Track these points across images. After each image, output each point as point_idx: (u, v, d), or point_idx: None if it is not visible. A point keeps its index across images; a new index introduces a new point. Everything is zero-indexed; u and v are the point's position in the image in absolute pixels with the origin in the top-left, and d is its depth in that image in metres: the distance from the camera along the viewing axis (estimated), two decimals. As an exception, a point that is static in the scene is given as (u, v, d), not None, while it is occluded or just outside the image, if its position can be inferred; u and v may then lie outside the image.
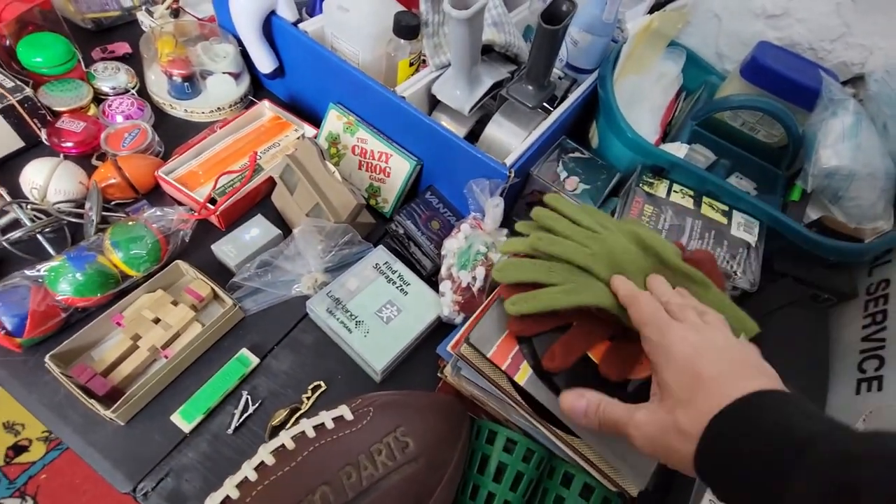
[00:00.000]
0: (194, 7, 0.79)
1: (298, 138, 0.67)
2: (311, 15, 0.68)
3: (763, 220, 0.60)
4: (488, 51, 0.65)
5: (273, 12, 0.63)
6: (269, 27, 0.64)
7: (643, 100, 0.69)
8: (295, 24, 0.64)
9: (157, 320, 0.49)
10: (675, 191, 0.62)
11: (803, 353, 0.56)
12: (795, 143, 0.64)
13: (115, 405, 0.43)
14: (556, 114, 0.62)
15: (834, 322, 0.61)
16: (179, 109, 0.69)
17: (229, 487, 0.34)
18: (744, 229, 0.59)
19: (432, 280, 0.59)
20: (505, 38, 0.64)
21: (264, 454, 0.35)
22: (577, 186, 0.63)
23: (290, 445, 0.36)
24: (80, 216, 0.55)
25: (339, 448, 0.36)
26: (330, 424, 0.37)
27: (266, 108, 0.69)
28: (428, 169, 0.63)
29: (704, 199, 0.61)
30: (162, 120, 0.68)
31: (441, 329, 0.57)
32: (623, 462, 0.41)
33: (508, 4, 0.66)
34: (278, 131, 0.68)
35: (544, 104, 0.63)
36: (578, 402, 0.34)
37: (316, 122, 0.68)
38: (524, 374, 0.43)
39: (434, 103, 0.66)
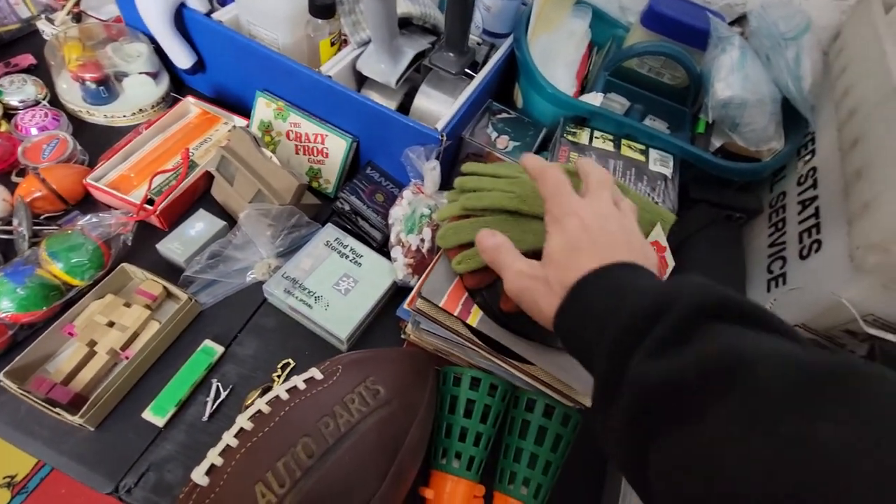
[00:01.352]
0: (97, 10, 0.76)
1: (230, 130, 0.67)
2: (224, 4, 0.68)
3: (676, 154, 0.66)
4: (407, 24, 0.67)
5: (183, 5, 0.61)
6: (182, 21, 0.63)
7: (557, 57, 0.73)
8: (208, 14, 0.63)
9: (111, 324, 0.49)
10: (596, 137, 0.66)
11: (723, 265, 0.63)
12: (695, 81, 0.70)
13: (82, 411, 0.43)
14: (478, 78, 0.66)
15: (746, 236, 0.69)
16: (98, 115, 0.66)
17: (213, 456, 0.36)
18: (660, 164, 0.65)
19: (384, 250, 0.61)
20: (421, 10, 0.66)
21: (242, 421, 0.37)
22: (508, 144, 0.67)
23: (266, 409, 0.38)
24: (10, 233, 0.53)
25: (313, 403, 0.38)
26: (302, 386, 0.39)
27: (191, 105, 0.68)
28: (365, 145, 0.65)
29: (623, 141, 0.67)
30: (81, 128, 0.66)
31: (398, 294, 0.59)
32: (576, 381, 0.46)
33: (419, -24, 0.68)
34: (208, 126, 0.68)
35: (467, 70, 0.66)
36: (488, 239, 0.37)
37: (245, 112, 0.68)
38: (475, 317, 0.46)
39: (361, 80, 0.67)
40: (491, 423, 0.47)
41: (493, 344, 0.47)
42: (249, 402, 0.49)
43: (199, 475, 0.35)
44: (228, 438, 0.36)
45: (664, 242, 0.47)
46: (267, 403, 0.38)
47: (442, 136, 0.57)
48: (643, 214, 0.48)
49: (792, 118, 0.65)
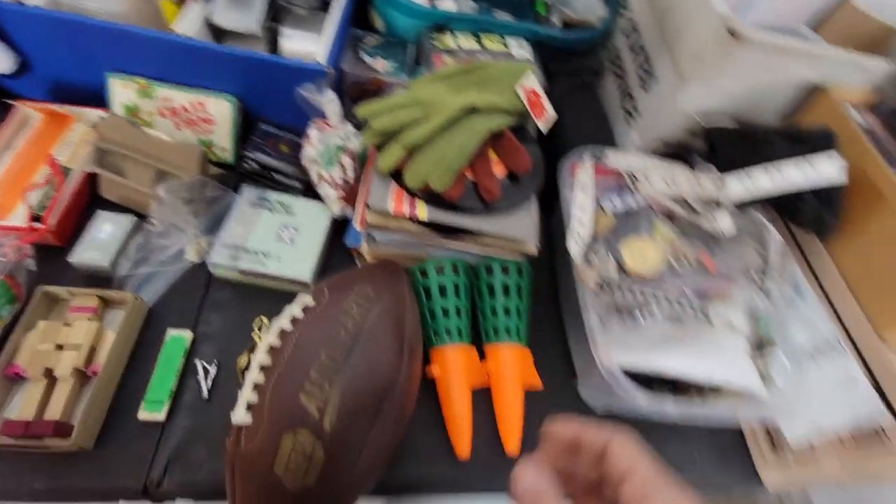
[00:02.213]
0: None
1: (95, 124, 0.60)
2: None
3: (528, 37, 0.75)
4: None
5: (-23, -6, 0.52)
6: (-16, 15, 0.54)
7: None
8: (19, 3, 0.54)
9: (60, 347, 0.46)
10: (458, 39, 0.72)
11: (590, 119, 0.75)
12: (524, -30, 0.79)
13: (74, 432, 0.41)
14: (337, 6, 0.66)
15: (601, 91, 0.81)
16: (-88, 151, 0.55)
17: (246, 395, 0.38)
18: (518, 49, 0.74)
19: (308, 195, 0.63)
20: (256, -51, 0.63)
21: (261, 358, 0.39)
22: (387, 66, 0.70)
23: (277, 343, 0.40)
24: None
25: (318, 322, 0.41)
26: (300, 314, 0.42)
27: (29, 111, 0.60)
28: (249, 103, 0.63)
29: (483, 37, 0.74)
30: None
31: (339, 230, 0.62)
32: (520, 231, 0.54)
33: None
34: (60, 128, 0.60)
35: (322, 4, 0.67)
36: (528, 476, 0.26)
37: (98, 103, 0.61)
38: (423, 211, 0.52)
39: (218, 35, 0.64)
40: (463, 296, 0.55)
41: (444, 230, 0.53)
42: (242, 365, 0.50)
43: (240, 417, 0.37)
44: (254, 377, 0.38)
45: (539, 89, 0.55)
46: (277, 337, 0.40)
47: (328, 68, 0.58)
48: (512, 74, 0.57)
49: (606, -16, 0.77)
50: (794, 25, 0.67)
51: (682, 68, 0.57)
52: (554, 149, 0.63)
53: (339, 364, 0.38)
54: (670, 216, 0.55)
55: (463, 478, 0.50)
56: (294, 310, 0.42)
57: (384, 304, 0.44)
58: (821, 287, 0.52)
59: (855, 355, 0.46)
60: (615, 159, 0.58)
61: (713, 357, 0.48)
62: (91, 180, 0.57)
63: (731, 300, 0.49)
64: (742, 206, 0.52)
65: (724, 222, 0.48)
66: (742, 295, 0.49)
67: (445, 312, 0.53)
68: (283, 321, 0.41)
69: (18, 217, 0.52)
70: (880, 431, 0.43)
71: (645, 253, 0.49)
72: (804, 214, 0.49)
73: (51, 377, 0.45)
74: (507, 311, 0.55)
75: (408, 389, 0.42)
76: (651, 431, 0.56)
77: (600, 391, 0.54)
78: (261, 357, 0.39)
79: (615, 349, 0.48)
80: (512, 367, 0.53)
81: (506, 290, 0.55)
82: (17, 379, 0.45)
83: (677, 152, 0.64)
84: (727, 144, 0.53)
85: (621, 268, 0.49)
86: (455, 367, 0.52)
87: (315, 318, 0.41)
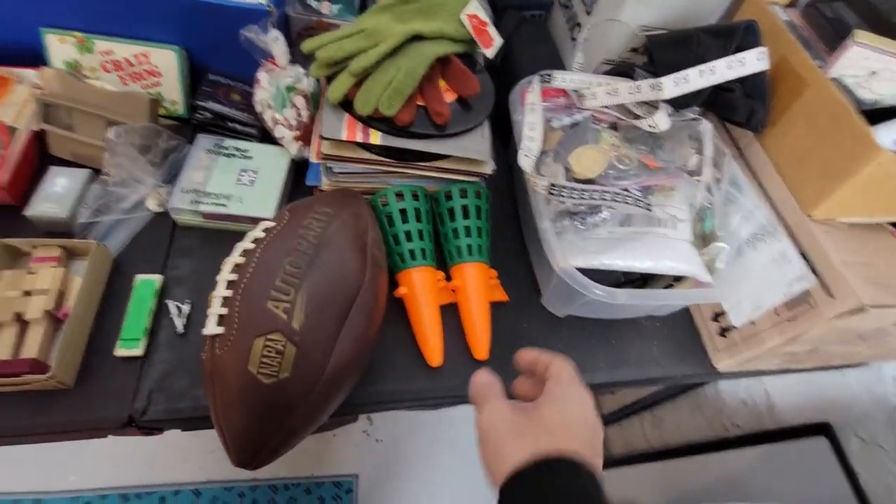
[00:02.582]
0: None
1: (34, 84, 0.59)
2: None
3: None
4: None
5: None
6: None
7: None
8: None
9: (27, 293, 0.46)
10: (404, -23, 0.72)
11: (540, 50, 0.77)
12: None
13: (53, 366, 0.43)
14: (275, -51, 0.66)
15: (552, 26, 0.83)
16: None
17: (216, 309, 0.39)
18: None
19: (266, 141, 0.63)
20: None
21: (226, 275, 0.41)
22: (332, 8, 0.70)
23: (241, 260, 0.41)
24: None
25: (280, 238, 0.42)
26: (262, 235, 0.43)
27: (-36, 74, 0.58)
28: (196, 52, 0.63)
29: (427, -26, 0.74)
30: None
31: (299, 172, 0.62)
32: (475, 152, 0.56)
33: None
34: (1, 91, 0.59)
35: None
36: (482, 376, 0.36)
37: (33, 61, 0.60)
38: (376, 137, 0.53)
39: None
40: (425, 220, 0.57)
41: (399, 156, 0.55)
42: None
43: (211, 328, 0.39)
44: (221, 293, 0.40)
45: (484, 17, 0.57)
46: (240, 255, 0.42)
47: (269, 6, 0.58)
48: (455, 2, 0.58)
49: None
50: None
51: (617, -17, 0.59)
52: (508, 82, 0.64)
53: (303, 271, 0.40)
54: (615, 126, 0.58)
55: (438, 387, 0.53)
56: (255, 232, 0.44)
57: (343, 219, 0.45)
58: (755, 177, 0.55)
59: (786, 234, 0.50)
60: (562, 79, 0.60)
61: (661, 249, 0.52)
62: (41, 141, 0.57)
63: (673, 194, 0.52)
64: (681, 109, 0.55)
65: (659, 119, 0.50)
66: (684, 189, 0.52)
67: (409, 236, 0.55)
68: (246, 242, 0.43)
69: (-33, 177, 0.51)
70: (808, 296, 0.47)
71: (591, 159, 0.52)
72: (737, 109, 0.52)
73: (21, 321, 0.45)
74: (467, 232, 0.57)
75: (374, 297, 0.44)
76: (612, 330, 0.61)
77: (560, 298, 0.57)
78: (226, 275, 0.41)
79: (570, 252, 0.51)
80: (476, 281, 0.55)
81: (465, 211, 0.57)
82: (-14, 328, 0.45)
83: (620, 70, 0.66)
84: (663, 50, 0.55)
85: (569, 174, 0.52)
86: (421, 284, 0.54)
87: (277, 235, 0.43)
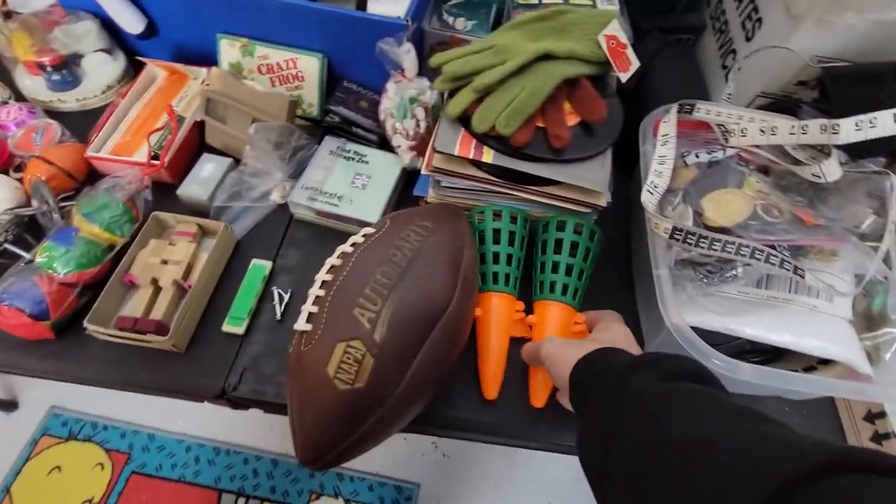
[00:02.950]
0: (24, 6, 0.74)
1: (203, 80, 0.68)
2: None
3: (618, -9, 0.71)
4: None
5: (119, -36, 0.62)
6: (122, -18, 0.63)
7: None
8: (146, -31, 0.63)
9: (164, 262, 0.52)
10: (543, -5, 0.71)
11: (683, 78, 0.70)
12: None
13: (171, 330, 0.48)
14: (421, -33, 0.68)
15: (699, 52, 0.75)
16: (70, 101, 0.67)
17: (308, 307, 0.41)
18: (607, 3, 0.70)
19: (384, 148, 0.65)
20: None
21: (322, 275, 0.42)
22: (466, 24, 0.70)
23: (338, 262, 0.43)
24: (32, 216, 0.55)
25: (376, 246, 0.43)
26: (360, 240, 0.44)
27: (156, 68, 0.69)
28: (335, 60, 0.67)
29: (568, -7, 0.71)
30: (57, 118, 0.67)
31: (409, 182, 0.64)
32: (591, 182, 0.51)
33: None
34: (180, 85, 0.69)
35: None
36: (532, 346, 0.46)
37: (210, 63, 0.69)
38: (489, 155, 0.52)
39: (312, -1, 0.69)
40: (518, 245, 0.54)
41: (510, 177, 0.52)
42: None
43: (301, 325, 0.40)
44: (315, 291, 0.41)
45: (623, 39, 0.52)
46: (337, 258, 0.43)
47: (407, 20, 0.60)
48: (593, 21, 0.54)
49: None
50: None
51: (794, 5, 0.51)
52: (640, 109, 0.59)
53: (393, 283, 0.40)
54: (765, 170, 0.49)
55: (486, 421, 0.50)
56: (356, 237, 0.45)
57: (442, 236, 0.44)
58: (959, 256, 0.43)
59: None
60: (706, 111, 0.53)
61: (807, 324, 0.43)
62: (200, 128, 0.65)
63: (834, 261, 0.43)
64: (860, 158, 0.45)
65: (829, 168, 0.42)
66: (850, 256, 0.43)
67: (496, 258, 0.52)
68: (346, 245, 0.44)
69: (142, 155, 0.60)
70: None
71: (730, 204, 0.45)
72: (941, 168, 0.41)
73: (156, 286, 0.52)
74: (554, 268, 0.52)
75: (460, 319, 0.43)
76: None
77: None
78: (323, 274, 0.42)
79: (687, 308, 0.45)
80: (556, 322, 0.51)
81: (558, 245, 0.53)
82: (131, 286, 0.52)
83: (781, 105, 0.57)
84: (844, 86, 0.46)
85: (700, 219, 0.45)
86: (497, 310, 0.51)
87: (374, 243, 0.43)
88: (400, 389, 0.39)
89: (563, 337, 0.46)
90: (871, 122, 0.40)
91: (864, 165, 0.44)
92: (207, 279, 0.53)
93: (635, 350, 0.41)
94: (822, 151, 0.45)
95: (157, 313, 0.50)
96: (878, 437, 0.47)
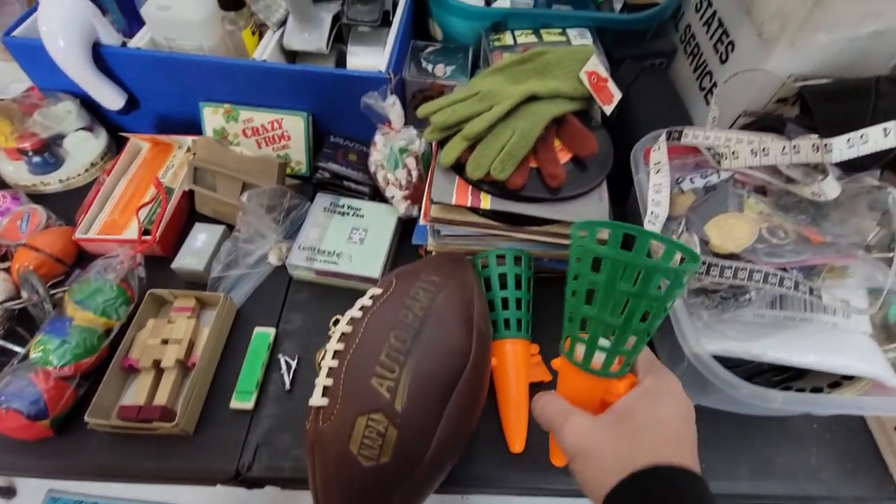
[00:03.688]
0: (1, 91, 0.74)
1: (188, 149, 0.68)
2: (130, 35, 0.68)
3: (589, 25, 0.73)
4: (312, -4, 0.70)
5: (97, 44, 0.62)
6: (102, 60, 0.63)
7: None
8: (123, 45, 0.63)
9: (165, 342, 0.51)
10: (517, 36, 0.72)
11: (663, 102, 0.71)
12: (580, -41, 0.77)
13: (178, 415, 0.46)
14: (396, 20, 0.69)
15: (673, 75, 0.77)
16: (54, 183, 0.66)
17: (322, 380, 0.39)
18: (581, 38, 0.72)
19: (376, 199, 0.65)
20: (322, -24, 0.69)
21: (333, 345, 0.41)
22: (446, 70, 0.71)
23: (348, 329, 0.41)
24: (23, 308, 0.53)
25: (386, 308, 0.42)
26: (369, 302, 0.43)
27: (140, 141, 0.69)
28: (320, 117, 0.67)
29: (542, 31, 0.73)
30: (42, 202, 0.65)
31: (406, 230, 0.63)
32: (589, 218, 0.51)
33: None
34: (165, 155, 0.68)
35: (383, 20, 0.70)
36: (540, 398, 0.34)
37: (194, 130, 0.68)
38: (486, 201, 0.51)
39: (291, 59, 0.70)
40: (525, 287, 0.53)
41: (508, 220, 0.52)
42: (320, 359, 0.52)
43: (316, 400, 0.39)
44: (328, 362, 0.40)
45: (604, 73, 0.53)
46: (347, 324, 0.42)
47: (389, 73, 0.61)
48: (572, 58, 0.55)
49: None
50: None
51: (766, 27, 0.52)
52: (626, 137, 0.60)
53: (409, 346, 0.39)
54: (762, 190, 0.50)
55: (513, 476, 0.48)
56: (364, 300, 0.44)
57: (450, 289, 0.44)
58: (965, 258, 0.43)
59: None
60: (694, 136, 0.54)
61: (828, 341, 0.42)
62: (189, 197, 0.64)
63: (847, 276, 0.42)
64: (852, 172, 0.46)
65: (827, 187, 0.42)
66: (862, 271, 0.43)
67: (505, 304, 0.52)
68: (354, 310, 0.43)
69: (132, 231, 0.59)
70: None
71: (734, 230, 0.45)
72: (934, 174, 0.42)
73: (158, 368, 0.50)
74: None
75: (480, 374, 0.42)
76: (755, 427, 0.51)
77: (689, 385, 0.49)
78: (334, 344, 0.41)
79: (706, 336, 0.44)
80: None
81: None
82: (132, 371, 0.50)
83: (766, 124, 0.58)
84: (827, 103, 0.47)
85: (706, 247, 0.45)
86: (513, 358, 0.50)
87: (383, 305, 0.42)
88: (427, 459, 0.37)
89: (577, 409, 0.32)
90: (862, 139, 0.41)
91: (860, 179, 0.44)
92: (211, 355, 0.51)
93: (690, 453, 0.29)
94: (815, 169, 0.45)
95: (162, 397, 0.48)
96: (913, 448, 0.46)
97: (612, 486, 0.27)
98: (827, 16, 0.47)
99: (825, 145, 0.42)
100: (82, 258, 0.60)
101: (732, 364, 0.45)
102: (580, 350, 0.32)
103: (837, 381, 0.46)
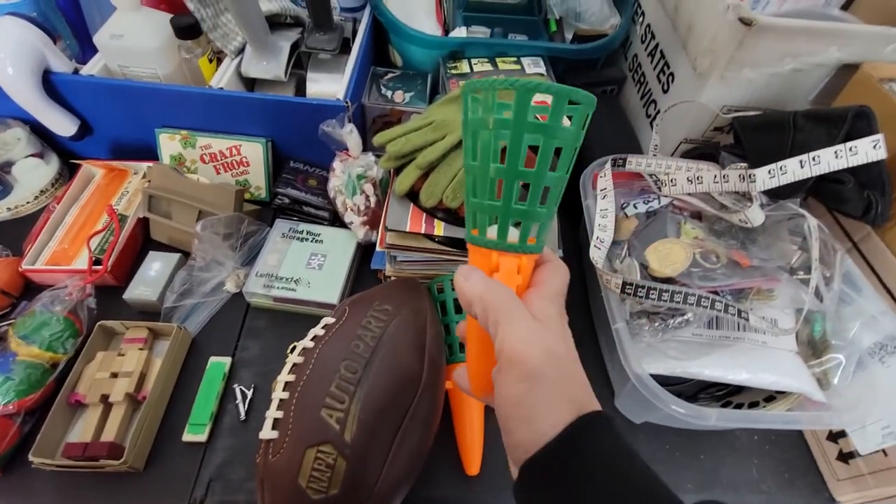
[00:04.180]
0: (-54, 116, 0.72)
1: (143, 176, 0.67)
2: (83, 61, 0.67)
3: (542, 55, 0.76)
4: (273, 24, 0.71)
5: (48, 71, 0.61)
6: (53, 87, 0.62)
7: (415, 9, 0.80)
8: (76, 72, 0.63)
9: (114, 375, 0.50)
10: (474, 64, 0.75)
11: (613, 128, 0.75)
12: (534, -8, 0.81)
13: (126, 452, 0.45)
14: (355, 48, 0.71)
15: (623, 102, 0.80)
16: (2, 211, 0.64)
17: (272, 412, 0.39)
18: (534, 67, 0.75)
19: (335, 224, 0.66)
20: (280, 5, 0.70)
21: (284, 377, 0.41)
22: (405, 97, 0.73)
23: (300, 360, 0.42)
24: (-34, 343, 0.51)
25: (338, 337, 0.42)
26: (321, 332, 0.44)
27: (93, 168, 0.68)
28: (279, 143, 0.68)
29: (497, 59, 0.76)
30: (-12, 230, 0.63)
31: (365, 255, 0.64)
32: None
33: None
34: (119, 182, 0.67)
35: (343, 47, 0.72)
36: (463, 276, 0.29)
37: (149, 156, 0.68)
38: (440, 228, 0.53)
39: (250, 86, 0.70)
40: None
41: (462, 246, 0.54)
42: (276, 389, 0.52)
43: (266, 433, 0.39)
44: (279, 394, 0.40)
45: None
46: (298, 355, 0.42)
47: (346, 101, 0.62)
48: None
49: (618, -6, 0.77)
50: (822, 7, 0.64)
51: (699, 62, 0.56)
52: (578, 162, 0.62)
53: (359, 376, 0.39)
54: (699, 216, 0.53)
55: (469, 497, 0.49)
56: (316, 329, 0.44)
57: (403, 317, 0.44)
58: (879, 279, 0.47)
59: (925, 350, 0.41)
60: (637, 163, 0.57)
61: (759, 360, 0.45)
62: (144, 225, 0.63)
63: (773, 298, 0.45)
64: (779, 199, 0.49)
65: (752, 214, 0.45)
66: (786, 292, 0.46)
67: (463, 328, 0.53)
68: (306, 340, 0.43)
69: (82, 261, 0.58)
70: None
71: (671, 255, 0.47)
72: (850, 202, 0.46)
73: (106, 402, 0.48)
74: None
75: (432, 402, 0.42)
76: (698, 442, 0.53)
77: (637, 404, 0.51)
78: (285, 375, 0.41)
79: (648, 356, 0.46)
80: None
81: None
82: (78, 406, 0.49)
83: (703, 151, 0.62)
84: (754, 134, 0.51)
85: (646, 271, 0.48)
86: None
87: (335, 335, 0.43)
88: (378, 488, 0.37)
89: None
90: (781, 170, 0.44)
91: (783, 207, 0.47)
92: (163, 387, 0.50)
93: (579, 381, 0.27)
94: (744, 196, 0.48)
95: (110, 433, 0.47)
96: (844, 456, 0.49)
97: (552, 436, 0.24)
98: (751, 54, 0.51)
99: (750, 176, 0.45)
100: (30, 289, 0.58)
101: (682, 380, 0.48)
102: (493, 229, 0.29)
103: (772, 395, 0.49)
